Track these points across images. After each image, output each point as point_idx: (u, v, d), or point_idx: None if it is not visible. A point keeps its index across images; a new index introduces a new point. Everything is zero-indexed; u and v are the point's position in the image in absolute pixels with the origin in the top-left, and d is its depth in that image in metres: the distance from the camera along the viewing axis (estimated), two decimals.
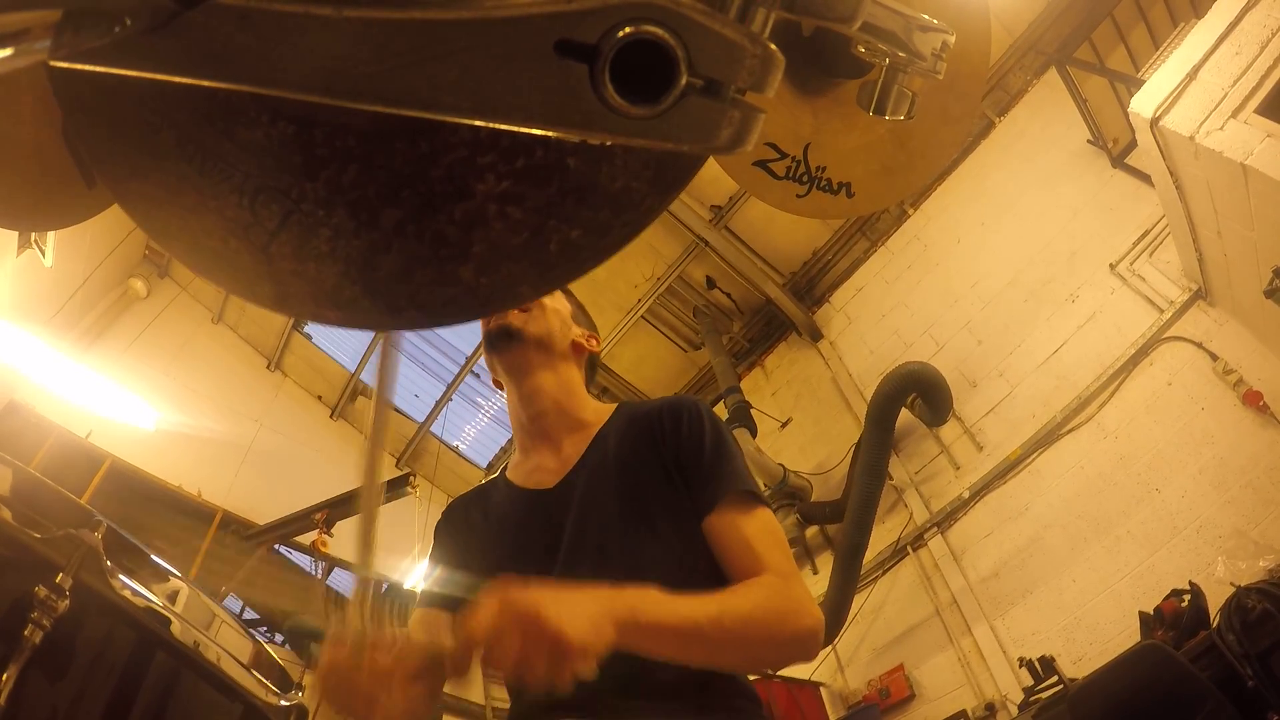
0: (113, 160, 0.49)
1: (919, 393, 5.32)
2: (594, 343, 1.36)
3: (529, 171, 0.48)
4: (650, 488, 1.09)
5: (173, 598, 1.66)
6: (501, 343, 1.23)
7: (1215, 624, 2.83)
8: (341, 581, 7.00)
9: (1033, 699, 3.59)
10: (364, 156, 0.48)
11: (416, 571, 6.30)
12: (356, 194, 0.49)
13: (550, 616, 0.70)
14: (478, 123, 0.43)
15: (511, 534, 1.17)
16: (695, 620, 0.86)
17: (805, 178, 1.20)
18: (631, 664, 0.93)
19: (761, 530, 1.04)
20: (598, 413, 1.27)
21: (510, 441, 8.33)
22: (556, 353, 1.26)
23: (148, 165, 0.49)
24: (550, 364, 1.25)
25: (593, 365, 1.38)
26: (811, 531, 6.01)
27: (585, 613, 0.74)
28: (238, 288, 0.53)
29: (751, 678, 1.11)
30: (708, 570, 1.04)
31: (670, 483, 1.09)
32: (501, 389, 1.30)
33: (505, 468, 1.31)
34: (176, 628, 1.59)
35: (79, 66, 0.40)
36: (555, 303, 1.30)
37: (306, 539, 5.56)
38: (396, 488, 5.55)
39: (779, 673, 5.14)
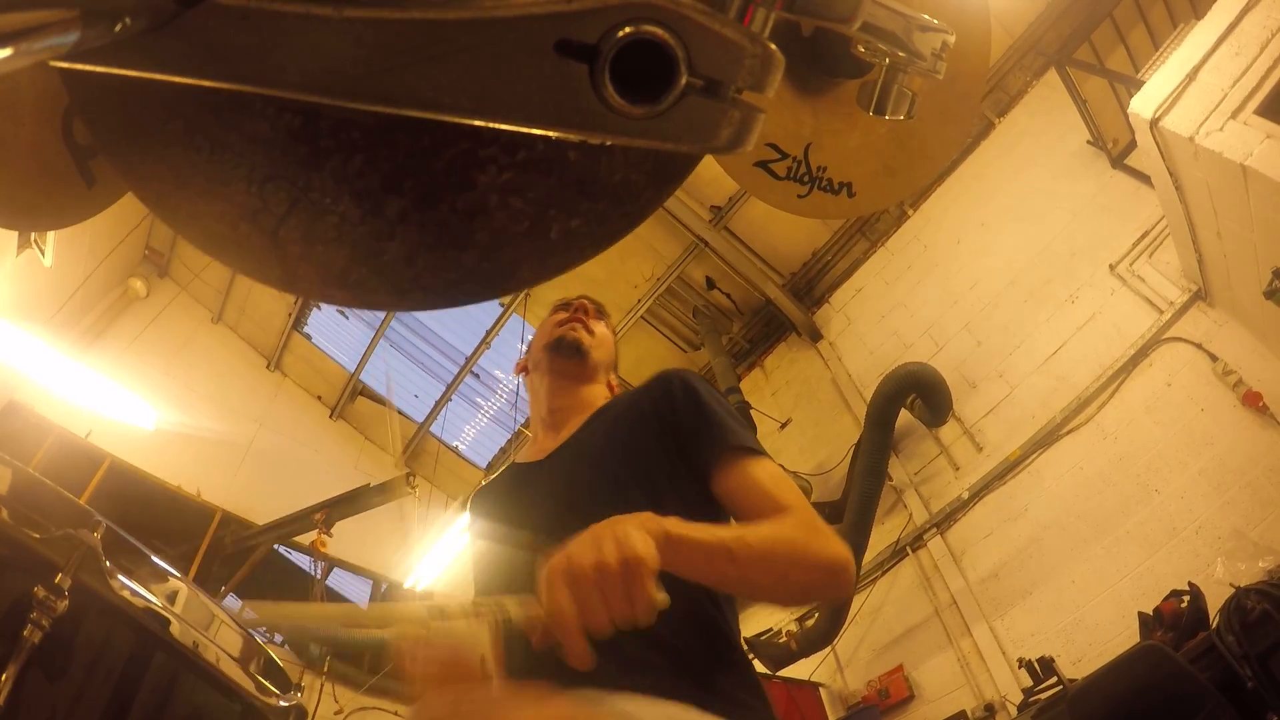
0: (123, 150, 0.50)
1: (919, 393, 5.32)
2: (616, 390, 1.46)
3: (530, 163, 0.49)
4: (639, 460, 1.10)
5: (172, 598, 1.66)
6: (573, 355, 1.34)
7: (1215, 625, 2.83)
8: (342, 581, 7.02)
9: (1032, 700, 3.59)
10: (368, 148, 0.49)
11: (417, 571, 6.30)
12: (361, 184, 0.50)
13: (606, 550, 0.71)
14: (478, 122, 0.43)
15: (501, 506, 1.24)
16: (721, 538, 0.87)
17: (806, 178, 1.20)
18: (631, 656, 0.93)
19: (772, 476, 1.05)
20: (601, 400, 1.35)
21: (510, 441, 8.33)
22: (599, 382, 1.39)
23: (158, 155, 0.49)
24: (593, 385, 1.37)
25: None
26: None
27: (630, 530, 0.74)
28: (248, 269, 0.54)
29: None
30: None
31: (664, 454, 1.10)
32: (522, 374, 1.45)
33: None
34: (176, 628, 1.59)
35: (80, 67, 0.40)
36: (610, 344, 1.43)
37: (306, 539, 5.56)
38: (396, 488, 5.55)
39: (779, 673, 5.15)
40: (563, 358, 1.34)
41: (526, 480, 1.24)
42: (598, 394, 1.36)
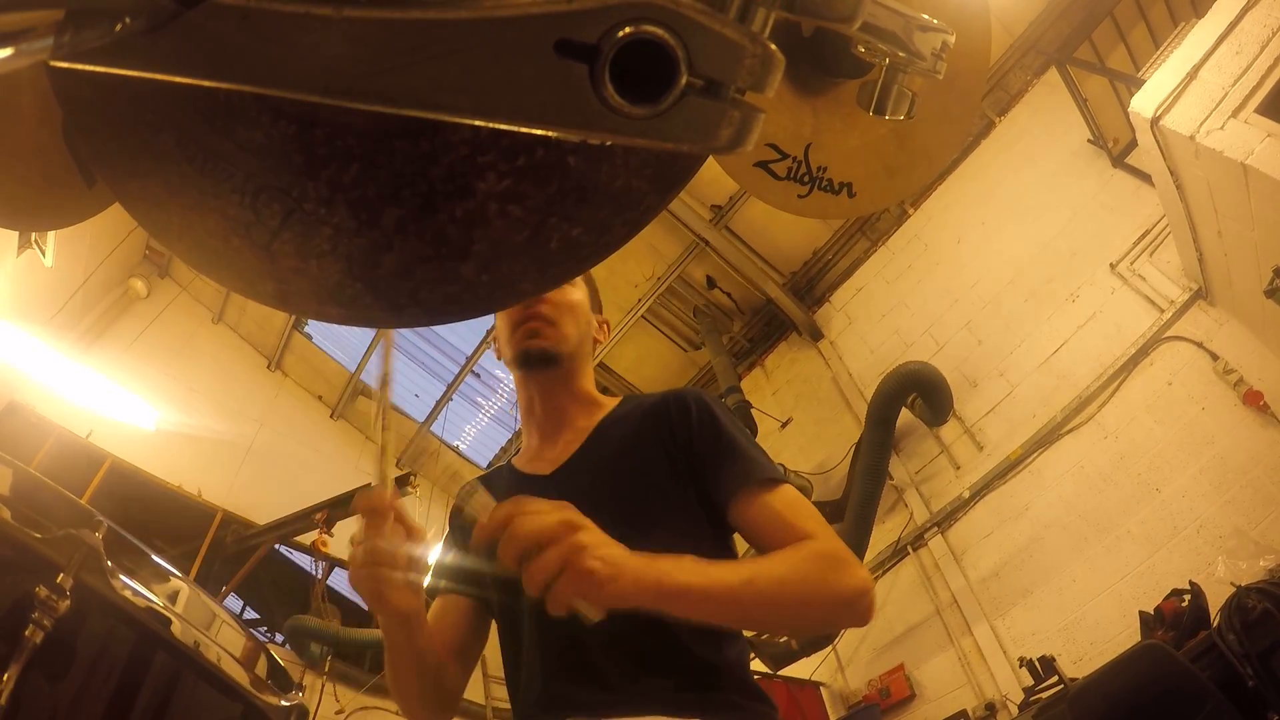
0: (114, 160, 0.49)
1: (919, 392, 5.32)
2: (605, 330, 1.35)
3: (529, 170, 0.48)
4: (650, 482, 1.08)
5: (173, 598, 1.66)
6: (539, 367, 1.22)
7: (1215, 624, 2.83)
8: (342, 581, 7.01)
9: (1033, 699, 3.59)
10: (365, 156, 0.48)
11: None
12: (357, 193, 0.49)
13: (593, 546, 0.75)
14: (477, 123, 0.43)
15: None
16: (727, 583, 0.86)
17: (806, 178, 1.19)
18: (632, 664, 0.93)
19: (791, 504, 1.03)
20: (604, 402, 1.27)
21: (510, 440, 8.33)
22: (582, 357, 1.27)
23: (149, 165, 0.48)
24: (578, 370, 1.26)
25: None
26: None
27: (619, 560, 0.77)
28: (240, 285, 0.53)
29: (754, 677, 1.10)
30: None
31: (675, 476, 1.08)
32: (503, 360, 1.30)
33: (514, 454, 1.32)
34: (177, 628, 1.59)
35: (79, 66, 0.40)
36: (576, 293, 1.27)
37: (306, 539, 5.57)
38: (396, 488, 5.54)
39: (780, 672, 5.15)
40: (535, 371, 1.22)
41: (529, 494, 1.17)
42: (588, 386, 1.27)
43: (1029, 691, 3.72)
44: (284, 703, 1.87)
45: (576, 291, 1.27)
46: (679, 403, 1.14)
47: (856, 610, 0.94)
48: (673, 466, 1.08)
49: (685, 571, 0.83)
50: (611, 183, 0.49)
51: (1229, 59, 3.27)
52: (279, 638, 5.67)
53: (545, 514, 0.76)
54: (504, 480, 1.26)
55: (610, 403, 1.26)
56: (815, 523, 1.01)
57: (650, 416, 1.15)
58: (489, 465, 8.63)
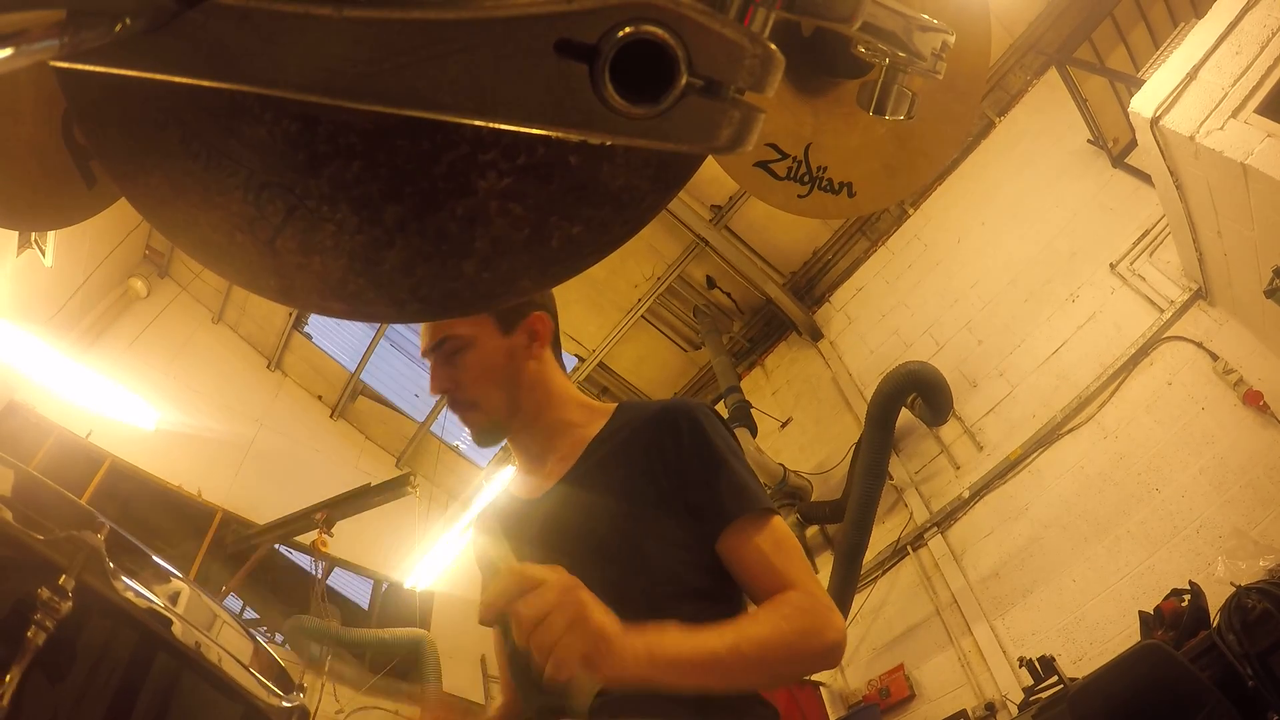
0: (120, 157, 0.50)
1: (919, 392, 5.32)
2: (539, 325, 1.23)
3: (530, 169, 0.49)
4: (640, 504, 1.06)
5: (174, 598, 1.66)
6: (468, 417, 1.20)
7: (1215, 624, 2.83)
8: (342, 581, 7.02)
9: (1033, 699, 3.59)
10: (367, 153, 0.49)
11: (416, 571, 6.30)
12: (359, 190, 0.49)
13: (596, 614, 0.74)
14: (478, 122, 0.43)
15: (499, 543, 1.18)
16: (713, 651, 0.85)
17: (806, 178, 1.19)
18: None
19: (778, 544, 1.02)
20: (588, 411, 1.23)
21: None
22: (509, 374, 1.20)
23: (154, 162, 0.49)
24: (511, 390, 1.20)
25: (555, 336, 1.30)
26: (811, 531, 6.01)
27: (615, 625, 0.77)
28: (244, 280, 0.54)
29: None
30: (692, 594, 1.02)
31: (663, 498, 1.06)
32: None
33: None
34: (178, 629, 1.59)
35: (80, 67, 0.40)
36: (465, 334, 1.17)
37: (306, 539, 5.57)
38: (396, 488, 5.55)
39: None
40: (468, 425, 1.21)
41: (522, 521, 1.16)
42: (555, 397, 1.23)
43: (1029, 691, 3.72)
44: (286, 703, 1.87)
45: (464, 330, 1.17)
46: (670, 422, 1.11)
47: (829, 662, 0.96)
48: (660, 491, 1.06)
49: (672, 641, 0.83)
50: (612, 181, 0.49)
51: (1229, 59, 3.27)
52: (279, 638, 5.68)
53: (545, 590, 0.75)
54: (503, 505, 1.28)
55: (602, 414, 1.22)
56: (799, 567, 1.01)
57: (640, 436, 1.12)
58: (488, 466, 8.61)
